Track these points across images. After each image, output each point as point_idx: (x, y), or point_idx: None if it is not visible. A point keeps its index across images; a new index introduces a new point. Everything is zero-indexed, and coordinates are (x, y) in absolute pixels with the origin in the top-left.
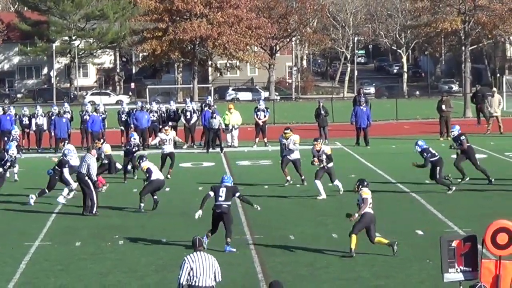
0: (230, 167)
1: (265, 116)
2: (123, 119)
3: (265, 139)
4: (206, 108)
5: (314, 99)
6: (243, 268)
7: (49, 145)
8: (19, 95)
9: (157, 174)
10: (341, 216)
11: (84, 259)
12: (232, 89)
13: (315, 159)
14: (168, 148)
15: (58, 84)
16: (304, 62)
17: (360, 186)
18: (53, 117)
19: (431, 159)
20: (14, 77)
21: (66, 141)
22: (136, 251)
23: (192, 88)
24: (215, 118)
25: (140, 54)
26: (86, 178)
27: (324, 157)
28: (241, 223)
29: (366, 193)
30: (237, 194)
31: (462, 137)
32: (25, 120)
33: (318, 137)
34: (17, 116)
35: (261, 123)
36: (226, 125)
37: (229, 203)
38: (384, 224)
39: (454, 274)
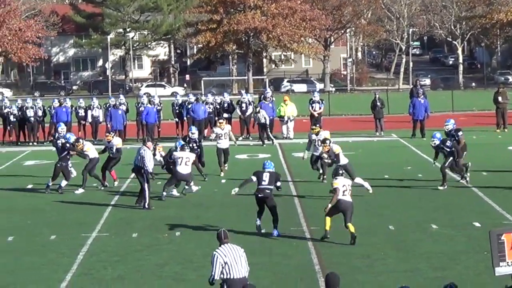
0: (286, 158)
1: (320, 108)
2: (177, 111)
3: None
4: (263, 100)
5: (369, 90)
6: (300, 260)
7: (104, 136)
8: (74, 87)
9: (181, 168)
10: (398, 208)
11: (141, 250)
12: (287, 81)
13: (325, 155)
14: (224, 143)
15: (113, 76)
16: (359, 54)
17: (333, 177)
18: (109, 109)
19: (451, 148)
20: (70, 69)
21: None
22: (192, 242)
23: (247, 80)
24: (259, 112)
25: (195, 46)
26: (142, 171)
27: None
28: (298, 215)
29: (335, 183)
30: (278, 183)
31: (460, 133)
32: (81, 112)
33: (326, 139)
34: (73, 108)
35: (316, 115)
36: (281, 117)
37: (272, 187)
38: (441, 216)
39: (505, 268)
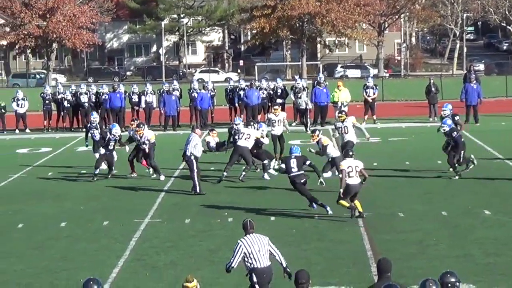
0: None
1: (374, 93)
2: (230, 96)
3: (374, 116)
4: (317, 86)
5: (423, 76)
6: (353, 246)
7: (159, 123)
8: (128, 73)
9: (241, 142)
10: (450, 194)
11: (194, 236)
12: (341, 66)
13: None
14: (277, 129)
15: (167, 62)
16: (413, 39)
17: (343, 158)
18: (162, 95)
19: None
20: (124, 55)
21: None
22: None
23: (301, 66)
24: (300, 98)
25: (249, 32)
26: (192, 158)
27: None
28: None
29: (341, 165)
30: (308, 162)
31: (457, 117)
32: (135, 98)
33: (315, 129)
34: (127, 94)
35: (370, 100)
36: (335, 103)
37: (302, 171)
38: (494, 202)
39: None
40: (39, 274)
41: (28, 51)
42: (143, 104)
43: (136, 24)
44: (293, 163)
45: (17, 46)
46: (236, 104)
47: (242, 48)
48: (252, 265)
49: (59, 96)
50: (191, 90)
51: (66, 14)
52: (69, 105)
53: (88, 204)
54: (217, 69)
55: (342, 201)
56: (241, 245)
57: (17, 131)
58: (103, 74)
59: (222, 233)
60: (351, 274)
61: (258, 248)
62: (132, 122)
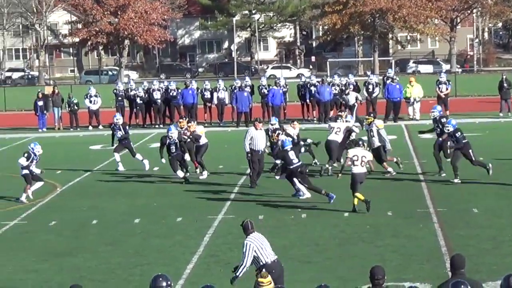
0: (412, 139)
1: (447, 89)
2: (302, 92)
3: (447, 112)
4: (388, 81)
5: (496, 71)
6: (427, 242)
7: (231, 119)
8: (200, 69)
9: (332, 136)
10: None
11: (267, 232)
12: (413, 62)
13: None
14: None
15: (238, 58)
16: (486, 34)
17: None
18: (234, 91)
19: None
20: (195, 52)
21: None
22: (318, 224)
23: (373, 61)
24: (348, 94)
25: (321, 28)
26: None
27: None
28: (424, 196)
29: (348, 153)
30: (302, 150)
31: (444, 119)
32: (207, 94)
33: (276, 129)
34: (199, 90)
35: (443, 96)
36: (408, 98)
37: (301, 161)
38: None
39: None
40: (113, 270)
41: (100, 47)
42: (215, 101)
43: (208, 20)
44: (292, 155)
45: (89, 43)
46: (308, 100)
47: (314, 44)
48: (261, 262)
49: (132, 93)
50: (261, 87)
51: (137, 11)
52: (141, 101)
53: (161, 200)
54: (289, 65)
55: (358, 194)
56: (250, 245)
57: (90, 127)
58: (175, 70)
59: (296, 229)
60: (425, 270)
61: (263, 245)
62: (181, 120)
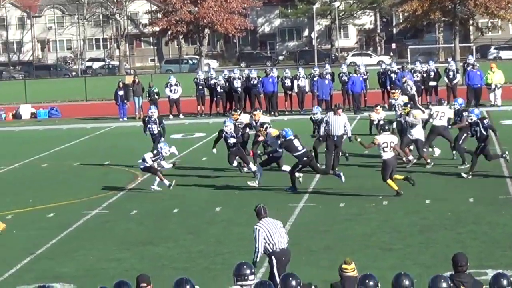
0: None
1: None
2: (382, 79)
3: None
4: (469, 68)
5: None
6: (509, 228)
7: (311, 106)
8: (280, 57)
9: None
10: None
11: (349, 219)
12: (494, 48)
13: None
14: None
15: (319, 46)
16: None
17: (379, 132)
18: (315, 79)
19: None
20: (275, 40)
21: None
22: (400, 211)
23: (454, 48)
24: (405, 82)
25: (401, 15)
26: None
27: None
28: (506, 183)
29: (377, 139)
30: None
31: (465, 113)
32: (287, 82)
33: (264, 123)
34: (280, 78)
35: None
36: (489, 85)
37: (305, 147)
38: None
39: None
40: (194, 258)
41: (180, 37)
42: (295, 89)
43: (288, 8)
44: (297, 142)
45: (169, 32)
46: (388, 87)
47: (394, 31)
48: (270, 249)
49: (212, 82)
50: (341, 74)
51: (217, 0)
52: (222, 90)
53: (242, 188)
54: (369, 52)
55: (390, 182)
56: (260, 230)
57: (170, 116)
58: (255, 58)
59: (377, 217)
60: (508, 257)
61: (274, 232)
62: (234, 112)
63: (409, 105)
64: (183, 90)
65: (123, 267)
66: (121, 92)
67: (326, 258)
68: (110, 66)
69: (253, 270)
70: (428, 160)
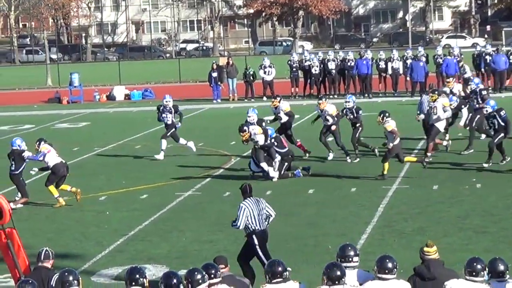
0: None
1: None
2: (477, 62)
3: None
4: None
5: None
6: None
7: (405, 89)
8: (374, 39)
9: None
10: None
11: (442, 202)
12: None
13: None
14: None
15: (413, 28)
16: None
17: (385, 119)
18: (408, 61)
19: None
20: (370, 22)
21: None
22: (493, 194)
23: None
24: (462, 66)
25: None
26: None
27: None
28: None
29: (390, 126)
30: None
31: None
32: (382, 64)
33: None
34: (374, 60)
35: None
36: None
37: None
38: None
39: None
40: (286, 240)
41: (274, 18)
42: (389, 71)
43: None
44: (281, 141)
45: (263, 14)
46: (483, 70)
47: (489, 13)
48: (252, 227)
49: (306, 63)
50: (436, 56)
51: None
52: (316, 72)
53: (335, 170)
54: (463, 34)
55: (386, 165)
56: (245, 208)
57: (264, 98)
58: (349, 40)
59: (470, 199)
60: None
61: (258, 211)
62: (273, 100)
63: (436, 92)
64: (277, 72)
65: (216, 248)
66: (214, 74)
67: (419, 241)
68: (204, 47)
69: (357, 252)
70: (444, 143)
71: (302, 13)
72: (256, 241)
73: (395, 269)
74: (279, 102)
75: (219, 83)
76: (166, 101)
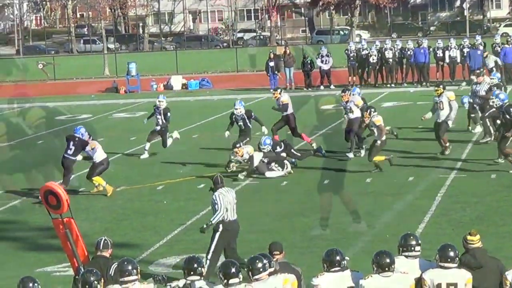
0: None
1: None
2: None
3: None
4: None
5: None
6: None
7: (462, 77)
8: (432, 28)
9: None
10: None
11: (500, 191)
12: None
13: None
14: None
15: (470, 16)
16: None
17: (372, 113)
18: (465, 50)
19: None
20: (427, 10)
21: None
22: None
23: None
24: (487, 57)
25: None
26: None
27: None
28: None
29: (379, 120)
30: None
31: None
32: (439, 53)
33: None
34: (431, 49)
35: None
36: None
37: None
38: None
39: None
40: (344, 229)
41: (332, 7)
42: (447, 59)
43: None
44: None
45: (320, 3)
46: None
47: None
48: (225, 217)
49: (363, 52)
50: (494, 45)
51: None
52: (374, 61)
53: (393, 160)
54: None
55: (377, 158)
56: (219, 199)
57: (321, 87)
58: (406, 29)
59: None
60: None
61: (229, 201)
62: (274, 91)
63: (441, 86)
64: (334, 61)
65: (273, 238)
66: (272, 63)
67: (477, 230)
68: (261, 37)
69: (419, 241)
70: (447, 144)
71: (359, 2)
72: (220, 229)
73: (456, 258)
74: (279, 94)
75: (276, 72)
76: (159, 101)
